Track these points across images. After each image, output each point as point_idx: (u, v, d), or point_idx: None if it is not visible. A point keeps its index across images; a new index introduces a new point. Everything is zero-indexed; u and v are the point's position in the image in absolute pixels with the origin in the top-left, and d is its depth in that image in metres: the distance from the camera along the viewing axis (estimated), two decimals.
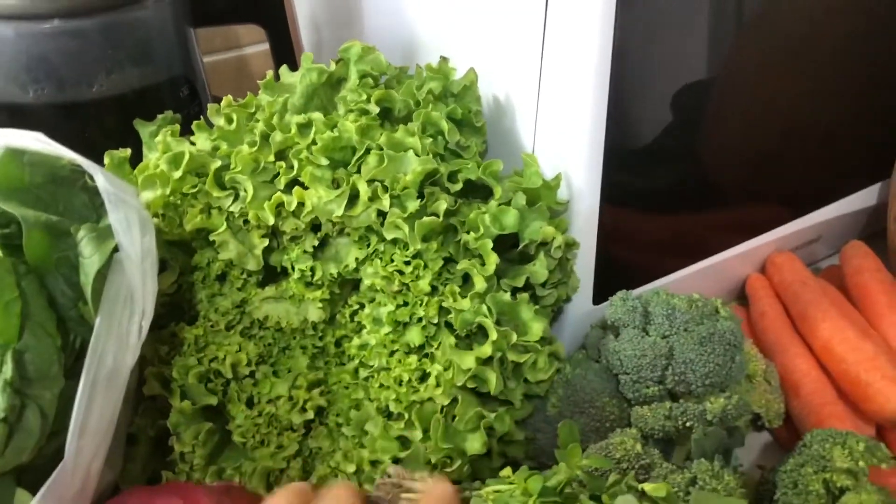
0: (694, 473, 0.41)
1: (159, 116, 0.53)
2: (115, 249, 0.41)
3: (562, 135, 0.49)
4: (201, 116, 0.52)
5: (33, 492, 0.37)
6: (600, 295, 0.53)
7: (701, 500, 0.39)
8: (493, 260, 0.46)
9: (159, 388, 0.48)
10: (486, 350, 0.44)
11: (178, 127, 0.50)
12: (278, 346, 0.50)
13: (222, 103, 0.51)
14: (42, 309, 0.40)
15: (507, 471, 0.42)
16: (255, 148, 0.48)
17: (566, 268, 0.49)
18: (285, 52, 0.60)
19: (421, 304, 0.47)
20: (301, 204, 0.47)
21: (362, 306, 0.49)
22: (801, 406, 0.53)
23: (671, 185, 0.57)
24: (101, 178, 0.42)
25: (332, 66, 0.52)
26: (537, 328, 0.46)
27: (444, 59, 0.51)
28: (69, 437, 0.38)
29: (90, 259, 0.41)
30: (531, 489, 0.38)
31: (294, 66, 0.54)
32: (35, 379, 0.38)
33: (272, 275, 0.50)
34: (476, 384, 0.45)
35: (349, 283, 0.50)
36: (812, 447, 0.45)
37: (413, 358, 0.47)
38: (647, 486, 0.38)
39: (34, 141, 0.42)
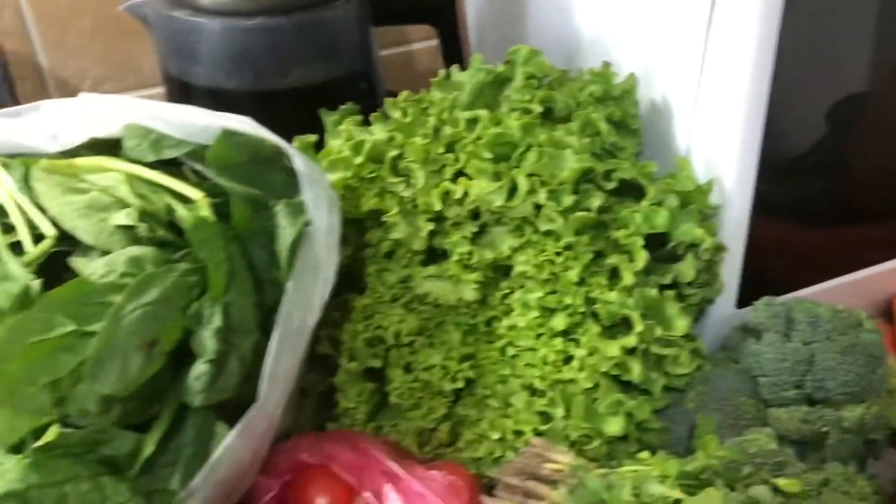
0: (827, 475, 0.43)
1: (341, 107, 0.59)
2: (307, 223, 0.47)
3: (717, 141, 0.51)
4: (377, 109, 0.57)
5: (229, 426, 0.44)
6: (744, 299, 0.55)
7: (833, 502, 0.41)
8: (642, 257, 0.49)
9: (330, 349, 0.54)
10: (632, 341, 0.47)
11: (360, 117, 0.55)
12: (435, 321, 0.54)
13: (399, 98, 0.56)
14: (244, 270, 0.46)
15: (644, 454, 0.45)
16: (428, 140, 0.53)
17: (713, 270, 0.51)
18: (454, 50, 0.65)
19: (569, 294, 0.51)
20: (465, 193, 0.51)
21: (512, 291, 0.53)
22: None
23: (824, 198, 0.57)
24: (299, 160, 0.48)
25: (500, 67, 0.56)
26: (681, 324, 0.49)
27: (606, 64, 0.54)
28: (262, 381, 0.44)
29: (286, 230, 0.47)
30: (668, 471, 0.41)
31: (462, 64, 0.59)
32: (237, 330, 0.44)
33: (433, 256, 0.55)
34: (619, 372, 0.49)
35: (501, 269, 0.54)
36: None
37: (558, 340, 0.51)
38: (781, 482, 0.40)
39: (244, 124, 0.48)
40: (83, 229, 0.47)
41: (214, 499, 0.43)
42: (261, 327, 0.46)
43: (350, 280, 0.55)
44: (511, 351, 0.52)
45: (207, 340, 0.43)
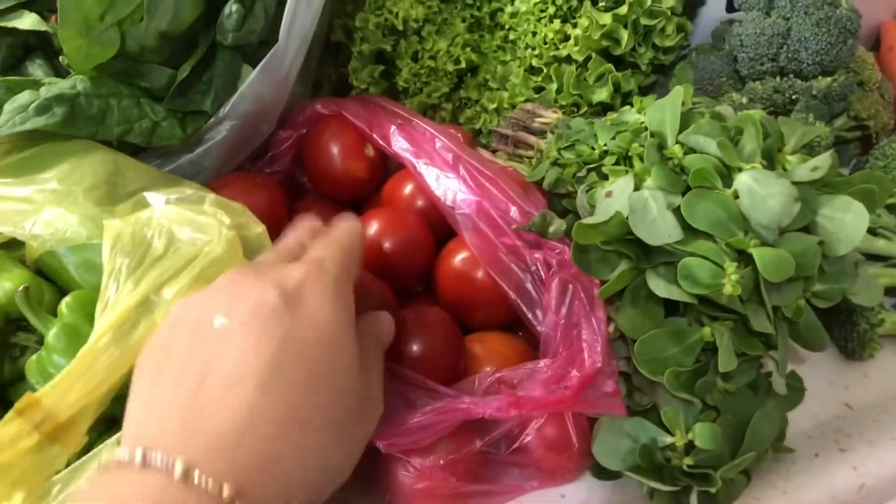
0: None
1: None
2: None
3: None
4: None
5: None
6: (731, 5, 0.58)
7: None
8: None
9: (343, 37, 0.58)
10: (623, 10, 0.51)
11: None
12: (442, 15, 0.58)
13: None
14: None
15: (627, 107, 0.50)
16: None
17: None
18: None
19: None
20: None
21: None
22: None
23: None
24: None
25: None
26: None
27: None
28: (282, 30, 0.48)
29: None
30: (645, 104, 0.46)
31: None
32: None
33: None
34: (609, 44, 0.53)
35: None
36: None
37: (557, 22, 0.54)
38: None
39: None
40: None
41: (239, 131, 0.49)
42: None
43: None
44: (513, 36, 0.57)
45: None
